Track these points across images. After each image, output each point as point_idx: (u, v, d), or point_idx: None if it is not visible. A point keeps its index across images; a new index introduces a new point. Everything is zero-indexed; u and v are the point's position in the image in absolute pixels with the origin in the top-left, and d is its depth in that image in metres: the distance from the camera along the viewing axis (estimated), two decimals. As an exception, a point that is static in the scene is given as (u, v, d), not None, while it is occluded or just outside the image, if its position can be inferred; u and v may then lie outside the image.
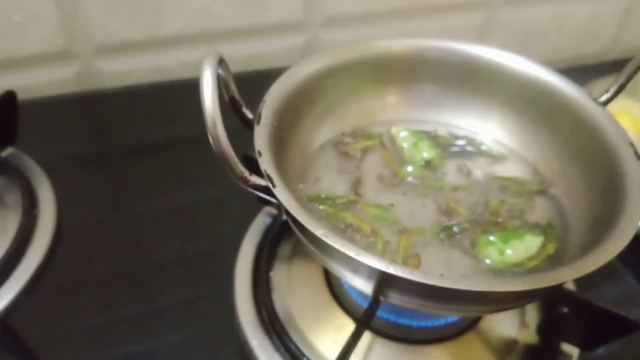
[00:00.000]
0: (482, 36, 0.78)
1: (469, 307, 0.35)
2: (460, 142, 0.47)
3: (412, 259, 0.37)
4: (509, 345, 0.43)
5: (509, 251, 0.38)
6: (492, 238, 0.39)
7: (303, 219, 0.32)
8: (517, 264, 0.38)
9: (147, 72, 0.67)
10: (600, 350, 0.40)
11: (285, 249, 0.48)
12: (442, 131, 0.48)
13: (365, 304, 0.40)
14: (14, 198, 0.49)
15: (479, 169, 0.45)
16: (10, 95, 0.50)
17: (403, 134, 0.46)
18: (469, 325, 0.43)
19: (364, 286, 0.34)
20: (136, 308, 0.45)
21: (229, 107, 0.38)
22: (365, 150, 0.46)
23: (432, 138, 0.47)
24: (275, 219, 0.50)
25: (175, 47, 0.66)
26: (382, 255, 0.37)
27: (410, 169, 0.44)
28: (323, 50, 0.45)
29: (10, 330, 0.42)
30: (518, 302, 0.37)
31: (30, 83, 0.62)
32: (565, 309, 0.40)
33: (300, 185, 0.42)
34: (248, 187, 0.34)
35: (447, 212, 0.41)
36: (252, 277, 0.46)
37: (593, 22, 0.82)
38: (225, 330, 0.44)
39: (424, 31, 0.75)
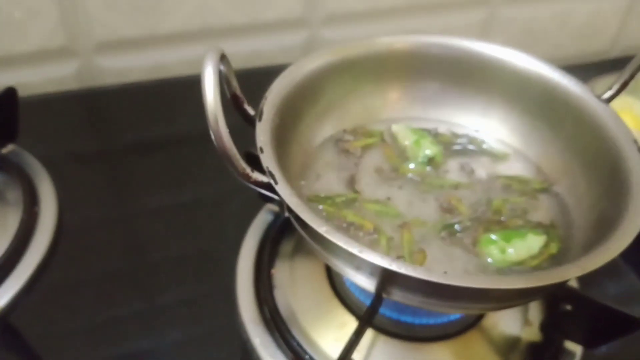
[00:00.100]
0: (483, 34, 0.78)
1: (472, 305, 0.35)
2: (462, 141, 0.47)
3: (417, 254, 0.37)
4: (512, 343, 0.43)
5: (510, 250, 0.38)
6: (493, 236, 0.39)
7: (305, 216, 0.31)
8: (519, 263, 0.38)
9: (147, 69, 0.67)
10: (604, 348, 0.40)
11: (287, 246, 0.48)
12: (443, 129, 0.48)
13: (367, 302, 0.40)
14: (14, 195, 0.49)
15: (482, 168, 0.45)
16: (10, 92, 0.50)
17: (405, 131, 0.46)
18: (472, 323, 0.43)
19: (367, 283, 0.34)
20: (137, 306, 0.45)
21: (230, 103, 0.38)
22: (366, 148, 0.45)
23: (433, 136, 0.47)
24: (277, 216, 0.50)
25: (176, 44, 0.66)
26: (387, 251, 0.37)
27: (412, 165, 0.44)
28: (324, 47, 0.45)
29: (11, 328, 0.42)
30: (521, 300, 0.37)
31: (30, 80, 0.62)
32: (569, 307, 0.40)
33: (302, 182, 0.42)
34: (250, 184, 0.33)
35: (449, 210, 0.41)
36: (253, 275, 0.46)
37: (595, 20, 0.82)
38: (227, 328, 0.43)
39: (425, 28, 0.75)
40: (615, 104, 0.42)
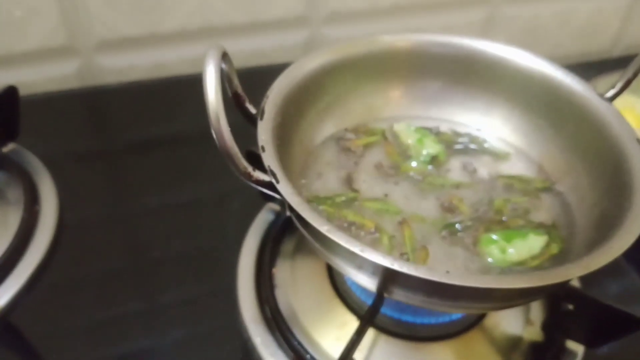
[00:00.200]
0: (485, 32, 0.78)
1: (474, 304, 0.34)
2: (463, 140, 0.47)
3: (420, 251, 0.37)
4: (514, 343, 0.43)
5: (511, 250, 0.38)
6: (494, 236, 0.39)
7: (307, 215, 0.31)
8: (519, 263, 0.38)
9: (148, 67, 0.67)
10: (605, 348, 0.40)
11: (288, 245, 0.48)
12: (444, 128, 0.48)
13: (369, 301, 0.40)
14: (15, 194, 0.49)
15: (484, 167, 0.45)
16: (11, 91, 0.50)
17: (408, 130, 0.46)
18: (473, 323, 0.43)
19: (368, 283, 0.34)
20: (138, 305, 0.44)
21: (231, 102, 0.38)
22: (367, 147, 0.45)
23: (435, 135, 0.47)
24: (278, 215, 0.50)
25: (177, 42, 0.66)
26: (389, 250, 0.37)
27: (414, 164, 0.44)
28: (325, 46, 0.44)
29: (11, 327, 0.42)
30: (523, 299, 0.37)
31: (31, 79, 0.62)
32: (570, 306, 0.40)
33: (303, 181, 0.41)
34: (251, 183, 0.33)
35: (450, 210, 0.41)
36: (255, 274, 0.46)
37: (597, 19, 0.82)
38: (228, 327, 0.43)
39: (426, 27, 0.75)
40: (618, 102, 0.42)
